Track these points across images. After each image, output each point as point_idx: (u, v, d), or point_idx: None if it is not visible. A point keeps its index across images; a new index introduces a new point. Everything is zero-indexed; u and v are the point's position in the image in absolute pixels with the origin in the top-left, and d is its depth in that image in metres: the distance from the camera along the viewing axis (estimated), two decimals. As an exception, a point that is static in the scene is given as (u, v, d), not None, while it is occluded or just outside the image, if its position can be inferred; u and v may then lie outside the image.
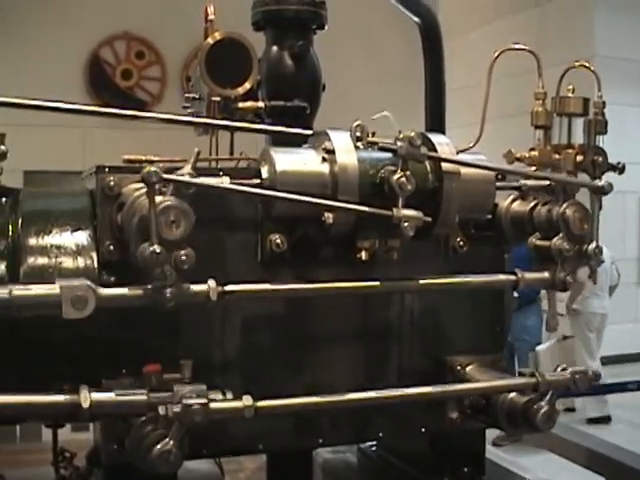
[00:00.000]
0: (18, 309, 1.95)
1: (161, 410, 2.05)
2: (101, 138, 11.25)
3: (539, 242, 2.58)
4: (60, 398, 2.03)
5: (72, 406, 2.01)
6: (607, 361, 10.63)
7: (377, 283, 2.38)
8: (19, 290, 1.96)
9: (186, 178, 2.01)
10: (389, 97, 10.38)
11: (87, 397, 2.02)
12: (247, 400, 2.12)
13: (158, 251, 1.93)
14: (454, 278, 2.51)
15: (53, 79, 12.11)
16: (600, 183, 2.56)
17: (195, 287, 2.09)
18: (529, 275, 2.56)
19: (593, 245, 2.53)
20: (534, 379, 2.49)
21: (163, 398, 2.08)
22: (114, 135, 9.70)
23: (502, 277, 2.58)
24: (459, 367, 2.66)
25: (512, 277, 2.54)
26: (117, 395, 2.07)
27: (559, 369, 2.57)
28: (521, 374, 2.60)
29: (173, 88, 13.93)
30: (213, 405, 2.07)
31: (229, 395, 2.17)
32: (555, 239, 2.51)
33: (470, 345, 2.73)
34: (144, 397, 2.08)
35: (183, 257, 1.96)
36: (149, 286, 2.01)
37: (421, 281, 2.45)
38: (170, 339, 2.36)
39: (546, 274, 2.56)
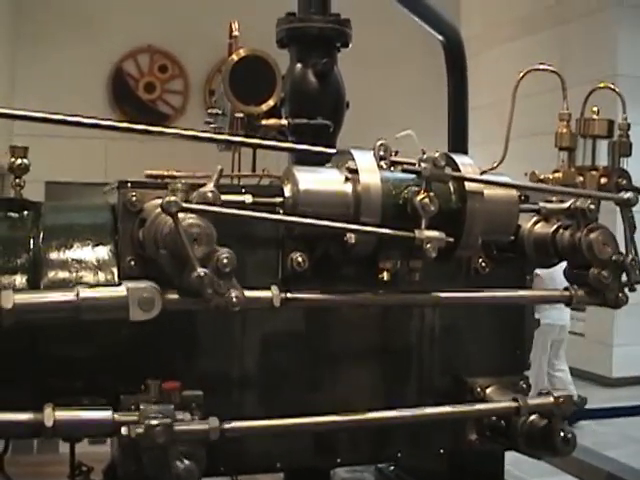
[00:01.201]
0: (84, 312, 1.95)
1: (124, 430, 2.01)
2: (122, 150, 11.34)
3: (577, 271, 2.59)
4: (24, 417, 1.99)
5: (36, 424, 1.98)
6: (623, 383, 10.56)
7: (434, 294, 2.40)
8: (86, 292, 1.96)
9: (208, 207, 2.00)
10: (412, 113, 10.39)
11: (51, 415, 1.99)
12: (213, 422, 2.08)
13: (202, 274, 1.92)
14: (504, 292, 2.54)
15: (77, 91, 12.24)
16: (625, 195, 2.56)
17: (258, 293, 2.09)
18: (582, 292, 2.57)
19: (630, 257, 2.52)
20: (515, 403, 2.45)
21: (128, 418, 2.04)
22: (135, 147, 9.79)
23: (556, 293, 2.62)
24: (479, 389, 2.63)
25: (566, 293, 2.56)
26: (82, 414, 2.04)
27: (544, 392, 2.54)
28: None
29: (195, 101, 14.05)
30: (177, 427, 2.04)
31: (196, 416, 2.12)
32: (591, 270, 2.51)
33: (491, 366, 2.70)
34: (109, 416, 2.04)
35: (225, 260, 1.95)
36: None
37: (468, 294, 2.49)
38: (189, 355, 2.35)
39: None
